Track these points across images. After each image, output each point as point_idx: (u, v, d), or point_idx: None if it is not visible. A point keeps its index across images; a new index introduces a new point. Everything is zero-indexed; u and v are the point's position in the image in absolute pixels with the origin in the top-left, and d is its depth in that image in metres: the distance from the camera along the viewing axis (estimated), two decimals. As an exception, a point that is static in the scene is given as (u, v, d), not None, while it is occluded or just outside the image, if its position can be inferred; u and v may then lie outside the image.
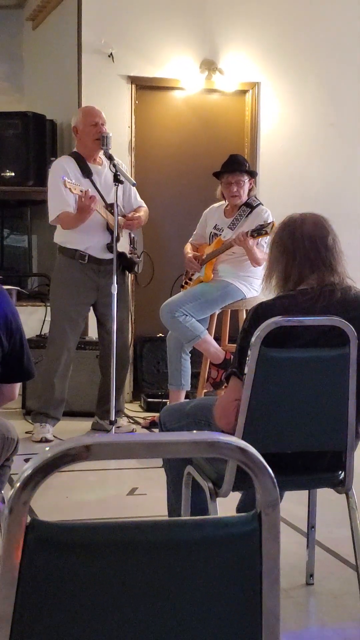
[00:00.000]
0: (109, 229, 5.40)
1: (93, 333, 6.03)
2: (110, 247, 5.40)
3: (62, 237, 5.49)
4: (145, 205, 5.73)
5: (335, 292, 2.81)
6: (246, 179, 5.51)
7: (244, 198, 5.53)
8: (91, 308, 5.66)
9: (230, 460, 2.71)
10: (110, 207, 5.39)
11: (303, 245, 2.84)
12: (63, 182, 5.13)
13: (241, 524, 1.21)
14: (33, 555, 1.15)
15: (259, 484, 1.19)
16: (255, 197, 5.62)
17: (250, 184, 5.55)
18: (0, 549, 1.16)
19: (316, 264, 2.83)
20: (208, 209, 5.80)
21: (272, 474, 1.19)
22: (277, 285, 2.91)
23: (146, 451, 1.17)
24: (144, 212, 5.68)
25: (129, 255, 5.57)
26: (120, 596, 1.19)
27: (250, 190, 5.56)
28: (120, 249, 5.42)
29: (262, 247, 5.27)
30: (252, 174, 5.59)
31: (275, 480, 1.19)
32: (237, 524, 1.21)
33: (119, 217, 5.36)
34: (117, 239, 5.35)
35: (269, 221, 5.35)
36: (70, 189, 5.12)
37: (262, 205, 5.56)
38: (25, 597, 1.16)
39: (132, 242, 5.64)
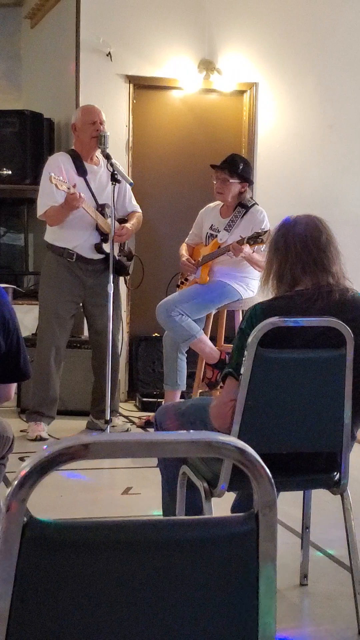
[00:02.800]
0: (98, 229, 5.40)
1: (87, 332, 6.02)
2: (98, 248, 5.40)
3: (51, 235, 5.50)
4: (139, 211, 5.69)
5: (333, 294, 2.81)
6: (234, 180, 5.45)
7: (229, 199, 5.49)
8: (82, 308, 5.66)
9: (226, 460, 2.71)
10: (101, 208, 5.39)
11: (295, 247, 2.86)
12: (49, 178, 5.12)
13: (238, 524, 1.21)
14: (30, 554, 1.15)
15: (256, 484, 1.19)
16: (251, 198, 5.61)
17: (243, 187, 5.51)
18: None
19: (308, 265, 2.84)
20: (204, 208, 5.79)
21: (270, 475, 1.19)
22: (273, 287, 2.93)
23: (144, 450, 1.17)
24: (136, 219, 5.63)
25: (117, 257, 5.55)
26: (117, 595, 1.19)
27: (240, 193, 5.52)
28: (109, 251, 5.41)
29: (261, 250, 5.21)
30: (243, 178, 5.53)
31: (272, 480, 1.19)
32: (235, 524, 1.22)
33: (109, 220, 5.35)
34: (112, 240, 5.34)
35: (263, 224, 5.35)
36: (56, 184, 5.11)
37: (257, 205, 5.55)
38: (21, 596, 1.16)
39: (121, 244, 5.62)
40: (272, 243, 2.95)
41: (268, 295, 2.95)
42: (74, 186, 5.20)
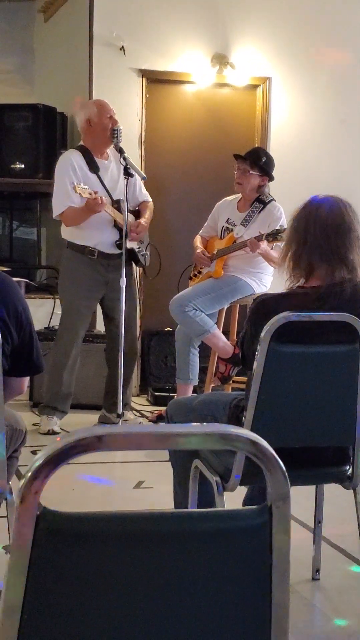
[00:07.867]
0: (117, 226, 5.40)
1: (100, 326, 6.03)
2: (118, 244, 5.41)
3: (70, 233, 5.48)
4: (150, 199, 5.71)
5: (345, 291, 2.77)
6: (255, 172, 5.46)
7: (248, 191, 5.50)
8: (100, 302, 5.67)
9: (239, 454, 2.71)
10: (116, 204, 5.39)
11: (314, 231, 2.81)
12: (73, 188, 5.13)
13: (252, 517, 1.21)
14: (43, 545, 1.15)
15: (269, 476, 1.19)
16: (268, 193, 5.60)
17: (263, 181, 5.51)
18: (11, 538, 1.16)
19: (325, 253, 2.80)
20: (221, 201, 5.78)
21: (283, 467, 1.19)
22: (289, 267, 2.88)
23: (157, 442, 1.17)
24: (148, 211, 5.64)
25: (137, 249, 5.58)
26: (130, 586, 1.19)
27: (260, 187, 5.52)
28: (129, 245, 5.44)
29: (279, 247, 5.19)
30: (264, 171, 5.53)
31: (286, 472, 1.19)
32: (248, 516, 1.21)
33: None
34: (127, 235, 5.35)
35: (281, 221, 5.34)
36: (80, 193, 5.12)
37: (275, 201, 5.54)
38: (35, 587, 1.16)
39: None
40: (293, 222, 2.90)
41: (284, 275, 2.91)
42: (96, 192, 5.19)
